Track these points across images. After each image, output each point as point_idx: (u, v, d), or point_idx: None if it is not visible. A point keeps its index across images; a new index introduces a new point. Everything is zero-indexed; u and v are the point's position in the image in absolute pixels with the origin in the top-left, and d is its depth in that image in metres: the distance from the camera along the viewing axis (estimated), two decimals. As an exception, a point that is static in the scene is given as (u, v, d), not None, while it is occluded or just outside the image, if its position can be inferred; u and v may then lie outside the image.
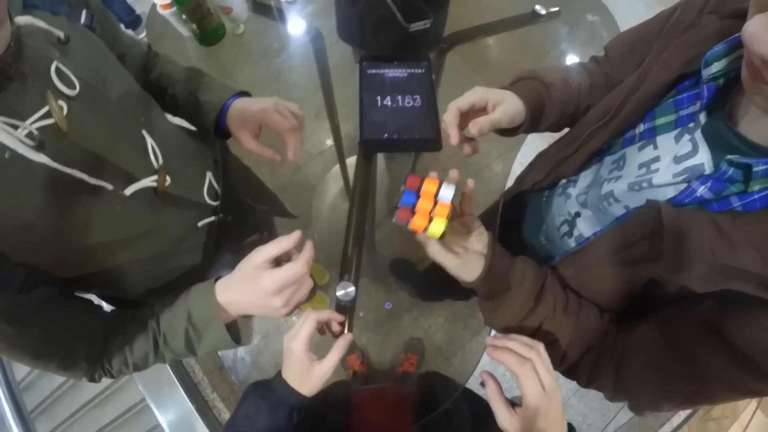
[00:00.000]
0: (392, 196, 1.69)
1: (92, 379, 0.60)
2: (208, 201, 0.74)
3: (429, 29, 0.98)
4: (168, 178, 0.62)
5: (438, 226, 0.49)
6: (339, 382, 0.97)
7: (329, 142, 1.91)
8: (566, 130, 0.75)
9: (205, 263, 0.76)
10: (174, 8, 1.12)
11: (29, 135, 0.44)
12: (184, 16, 1.13)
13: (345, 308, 0.70)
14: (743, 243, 0.40)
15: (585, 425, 1.70)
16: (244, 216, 0.92)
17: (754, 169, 0.39)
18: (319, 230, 1.70)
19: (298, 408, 0.55)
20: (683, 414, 1.52)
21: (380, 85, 0.86)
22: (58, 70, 0.48)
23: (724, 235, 0.41)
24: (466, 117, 0.63)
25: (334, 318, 0.60)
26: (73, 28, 0.53)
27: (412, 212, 0.51)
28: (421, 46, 1.15)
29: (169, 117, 0.75)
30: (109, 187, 0.53)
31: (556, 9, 1.14)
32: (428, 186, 0.52)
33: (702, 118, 0.47)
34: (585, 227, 0.68)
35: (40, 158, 0.45)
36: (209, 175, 0.76)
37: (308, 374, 0.55)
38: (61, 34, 0.50)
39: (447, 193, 0.51)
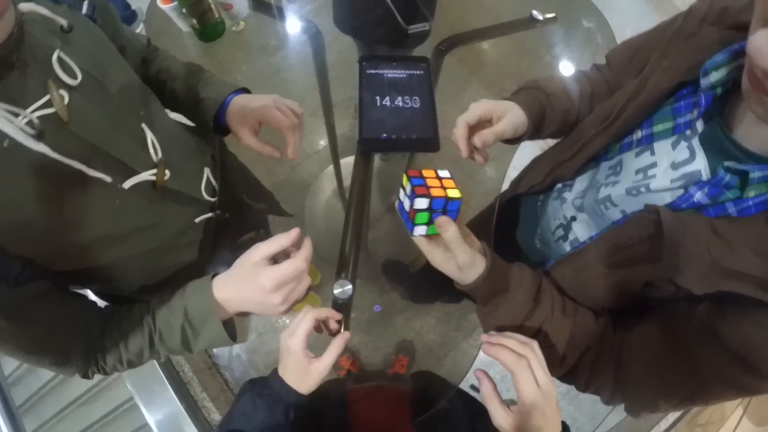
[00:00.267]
0: (385, 198, 1.70)
1: (85, 376, 0.59)
2: (206, 197, 0.74)
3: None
4: (167, 172, 0.62)
5: (455, 192, 0.52)
6: (334, 380, 0.97)
7: (323, 141, 1.91)
8: (564, 134, 0.76)
9: (201, 260, 0.75)
10: (175, 2, 1.12)
11: (29, 123, 0.43)
12: (184, 11, 1.13)
13: (342, 306, 0.70)
14: (740, 245, 0.41)
15: (574, 429, 1.70)
16: (241, 213, 0.91)
17: (751, 176, 0.40)
18: (313, 230, 1.69)
19: (295, 406, 0.55)
20: (671, 418, 1.54)
21: (380, 85, 0.86)
22: (59, 59, 0.47)
23: (721, 237, 0.42)
24: (473, 129, 0.66)
25: (333, 316, 0.60)
26: (75, 18, 0.53)
27: (427, 187, 0.52)
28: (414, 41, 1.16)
29: (167, 113, 0.75)
30: (108, 179, 0.53)
31: (553, 15, 1.16)
32: (427, 173, 0.55)
33: (699, 125, 0.48)
34: (581, 231, 0.69)
35: (40, 148, 0.44)
36: (207, 172, 0.76)
37: (306, 372, 0.55)
38: (64, 23, 0.49)
39: (444, 172, 0.55)
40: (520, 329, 0.56)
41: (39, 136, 0.44)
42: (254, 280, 0.53)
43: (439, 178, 0.54)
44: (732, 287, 0.41)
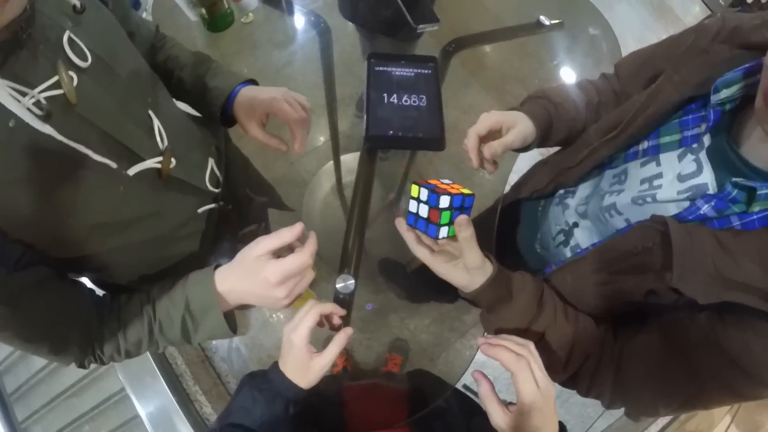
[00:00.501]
0: (382, 198, 1.69)
1: (81, 365, 0.58)
2: (210, 188, 0.73)
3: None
4: (173, 160, 0.61)
5: (466, 189, 0.54)
6: (331, 377, 0.96)
7: (323, 138, 1.90)
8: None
9: (202, 251, 0.74)
10: (184, -8, 1.11)
11: (36, 104, 0.42)
12: (194, 0, 1.11)
13: (344, 301, 0.69)
14: (744, 258, 0.42)
15: (565, 431, 1.72)
16: (243, 206, 0.91)
17: (758, 192, 0.41)
18: (311, 226, 1.68)
19: (295, 400, 0.54)
20: (661, 423, 1.55)
21: (387, 83, 0.86)
22: (70, 41, 0.47)
23: (725, 249, 0.43)
24: (483, 139, 0.67)
25: (337, 312, 0.60)
26: (86, 0, 0.52)
27: (441, 189, 0.54)
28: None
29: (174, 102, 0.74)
30: (113, 165, 0.52)
31: (560, 21, 1.17)
32: (432, 181, 0.56)
33: (706, 140, 0.49)
34: (583, 237, 0.69)
35: (46, 129, 0.43)
36: (212, 162, 0.75)
37: (307, 367, 0.54)
38: (77, 2, 0.49)
39: (447, 181, 0.57)
40: (524, 334, 0.56)
41: (46, 117, 0.43)
42: (258, 273, 0.53)
43: (445, 184, 0.56)
44: (736, 298, 0.42)
